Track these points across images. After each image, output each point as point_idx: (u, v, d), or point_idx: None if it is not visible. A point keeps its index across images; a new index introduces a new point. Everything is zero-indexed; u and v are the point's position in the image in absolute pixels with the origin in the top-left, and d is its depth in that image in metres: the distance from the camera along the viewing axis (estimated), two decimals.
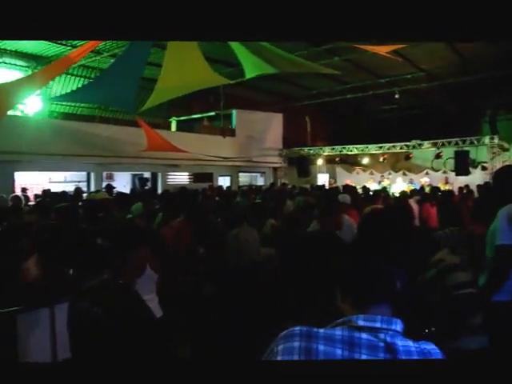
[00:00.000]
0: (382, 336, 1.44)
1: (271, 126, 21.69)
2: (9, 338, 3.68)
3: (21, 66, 16.62)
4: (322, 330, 1.46)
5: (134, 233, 2.59)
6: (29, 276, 3.92)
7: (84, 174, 16.24)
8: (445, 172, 19.71)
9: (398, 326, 1.47)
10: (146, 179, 16.41)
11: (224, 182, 19.88)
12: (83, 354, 2.47)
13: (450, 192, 11.79)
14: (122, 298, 2.40)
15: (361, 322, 1.45)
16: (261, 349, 1.53)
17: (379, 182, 20.09)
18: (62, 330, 3.66)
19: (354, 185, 15.69)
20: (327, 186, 17.73)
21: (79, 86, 17.57)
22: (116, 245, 2.45)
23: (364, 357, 1.40)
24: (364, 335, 1.43)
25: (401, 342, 1.45)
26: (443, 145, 17.66)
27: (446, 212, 5.13)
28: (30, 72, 16.30)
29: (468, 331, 2.95)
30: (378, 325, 1.45)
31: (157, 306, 4.09)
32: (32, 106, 16.40)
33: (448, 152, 18.10)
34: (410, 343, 1.46)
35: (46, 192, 11.58)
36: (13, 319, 3.72)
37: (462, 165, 16.66)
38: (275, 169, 22.66)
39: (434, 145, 17.87)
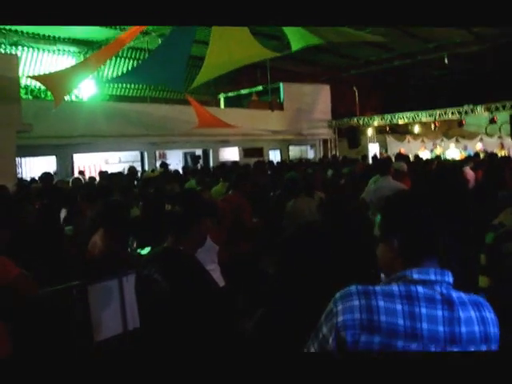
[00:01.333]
0: (437, 288, 1.48)
1: (319, 98, 21.48)
2: (82, 308, 3.94)
3: (73, 52, 17.14)
4: (378, 287, 1.49)
5: (200, 203, 2.67)
6: (96, 249, 4.16)
7: (138, 153, 16.70)
8: (500, 137, 18.92)
9: (450, 277, 1.51)
10: (198, 156, 16.70)
11: (274, 155, 19.93)
12: (148, 320, 2.60)
13: (507, 158, 11.42)
14: (181, 264, 2.49)
15: (415, 276, 1.48)
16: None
17: (431, 150, 19.64)
18: (130, 299, 3.91)
19: (406, 153, 15.44)
20: (378, 157, 17.46)
21: (130, 67, 17.95)
22: (182, 212, 2.53)
23: (424, 310, 1.43)
24: (420, 288, 1.46)
25: (455, 294, 1.49)
26: (497, 109, 16.85)
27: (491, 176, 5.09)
28: (82, 57, 16.79)
29: None
30: (432, 277, 1.48)
31: (219, 277, 4.23)
32: (85, 90, 16.91)
33: (503, 116, 17.33)
34: (463, 294, 1.51)
35: (103, 174, 11.99)
36: (84, 290, 3.97)
37: None
38: (325, 141, 22.47)
39: (488, 109, 17.11)
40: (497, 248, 2.92)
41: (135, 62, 18.08)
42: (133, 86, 19.03)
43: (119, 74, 18.07)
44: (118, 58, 18.00)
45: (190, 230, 2.54)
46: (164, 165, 12.19)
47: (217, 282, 3.94)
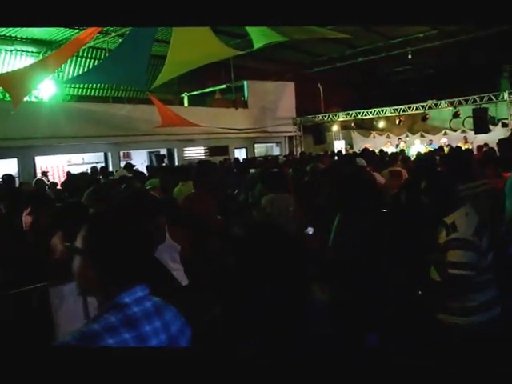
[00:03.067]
0: (146, 302, 1.55)
1: (284, 95, 21.56)
2: (43, 311, 3.86)
3: (32, 52, 16.74)
4: (96, 325, 1.42)
5: (150, 202, 2.65)
6: (56, 252, 4.09)
7: (102, 154, 16.47)
8: (463, 131, 19.35)
9: (147, 289, 1.59)
10: (163, 156, 16.57)
11: (240, 153, 19.95)
12: None
13: (470, 151, 11.71)
14: None
15: (127, 300, 1.50)
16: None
17: (396, 145, 19.93)
18: (92, 300, 3.86)
19: (371, 149, 15.66)
20: (344, 153, 17.65)
21: (90, 67, 17.65)
22: (134, 214, 2.51)
23: (148, 327, 1.49)
24: (136, 309, 1.50)
25: (154, 299, 1.60)
26: (460, 103, 17.25)
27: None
28: (40, 57, 16.42)
29: (480, 308, 2.84)
30: (140, 294, 1.54)
31: (183, 276, 4.21)
32: (46, 90, 16.56)
33: (466, 111, 17.71)
34: (156, 298, 1.62)
35: (69, 175, 11.83)
36: (46, 293, 3.89)
37: (481, 123, 16.16)
38: (291, 138, 22.58)
39: (451, 104, 17.49)
40: (444, 252, 2.91)
41: (96, 61, 17.78)
42: (94, 85, 18.72)
43: (79, 73, 17.73)
44: (79, 58, 17.66)
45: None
46: (129, 166, 12.05)
47: (180, 281, 3.93)
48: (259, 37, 10.89)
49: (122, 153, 16.90)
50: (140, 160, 17.38)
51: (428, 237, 3.08)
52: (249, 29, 10.59)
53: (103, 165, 15.93)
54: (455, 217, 2.92)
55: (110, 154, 16.26)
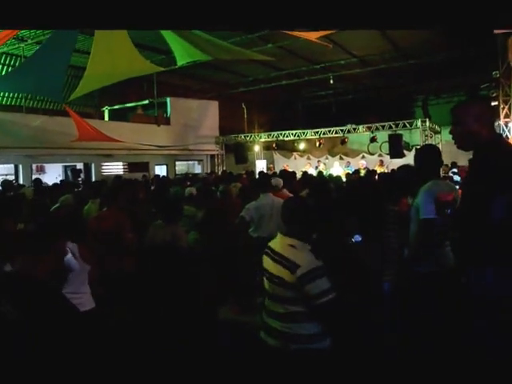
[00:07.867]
0: None
1: (207, 114, 21.52)
2: None
3: None
4: None
5: (57, 226, 2.47)
6: None
7: (12, 166, 15.57)
8: (380, 155, 20.13)
9: None
10: (79, 170, 15.93)
11: (161, 170, 19.63)
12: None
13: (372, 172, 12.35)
14: (29, 296, 2.28)
15: None
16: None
17: (316, 167, 20.38)
18: None
19: (292, 170, 15.91)
20: (266, 172, 17.80)
21: (2, 74, 16.70)
22: (39, 231, 2.33)
23: None
24: None
25: None
26: (377, 129, 18.00)
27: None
28: None
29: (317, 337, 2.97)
30: None
31: (90, 298, 3.96)
32: None
33: (383, 136, 18.48)
34: None
35: None
36: None
37: (396, 148, 16.94)
38: (212, 156, 22.53)
39: (369, 129, 18.21)
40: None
41: (9, 68, 16.83)
42: (6, 94, 17.72)
43: None
44: None
45: (47, 252, 2.33)
46: (37, 181, 11.40)
47: (86, 304, 3.69)
48: (183, 54, 10.79)
49: (34, 166, 16.08)
50: (55, 174, 16.64)
51: None
52: (173, 46, 10.47)
53: (13, 177, 15.06)
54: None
55: (21, 167, 15.38)
